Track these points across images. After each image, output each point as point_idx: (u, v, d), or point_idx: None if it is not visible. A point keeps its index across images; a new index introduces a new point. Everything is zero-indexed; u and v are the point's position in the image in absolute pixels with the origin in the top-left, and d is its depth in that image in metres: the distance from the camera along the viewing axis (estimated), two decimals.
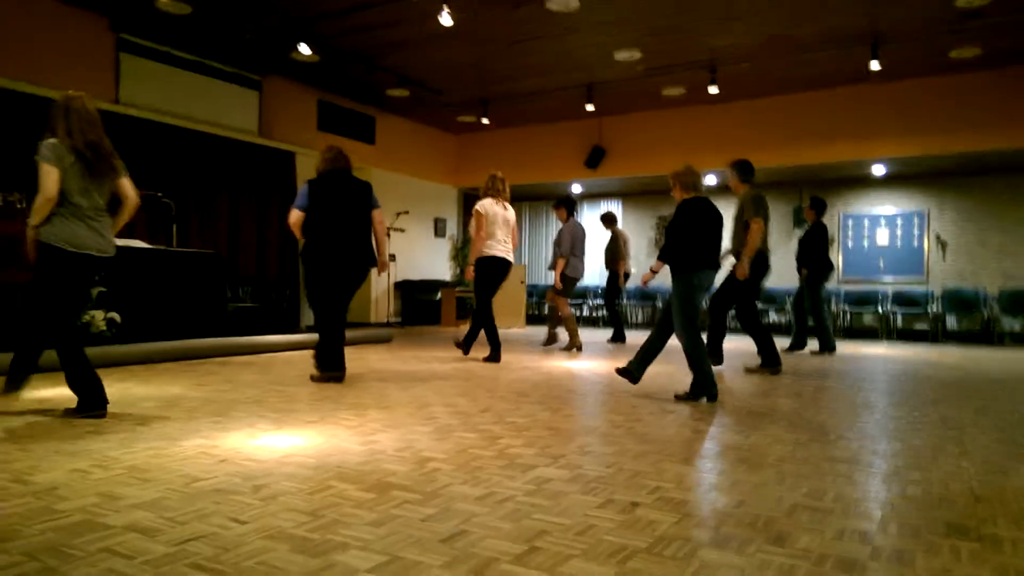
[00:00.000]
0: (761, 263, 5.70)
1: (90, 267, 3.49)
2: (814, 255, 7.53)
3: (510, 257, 6.27)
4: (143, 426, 3.26)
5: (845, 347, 8.47)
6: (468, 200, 13.48)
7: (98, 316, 6.00)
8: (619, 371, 4.51)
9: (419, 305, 11.52)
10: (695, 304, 4.23)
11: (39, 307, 3.45)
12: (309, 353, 6.98)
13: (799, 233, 9.07)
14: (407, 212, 11.31)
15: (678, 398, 4.25)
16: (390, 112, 11.39)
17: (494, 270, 6.19)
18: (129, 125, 7.73)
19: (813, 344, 7.66)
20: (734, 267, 5.67)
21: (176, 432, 3.14)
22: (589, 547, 1.81)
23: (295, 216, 4.74)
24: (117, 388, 4.39)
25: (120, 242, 6.38)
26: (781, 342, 7.54)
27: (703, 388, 4.19)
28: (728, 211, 5.49)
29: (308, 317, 9.80)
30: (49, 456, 2.68)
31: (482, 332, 6.33)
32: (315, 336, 7.60)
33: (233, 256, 8.76)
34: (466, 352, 6.54)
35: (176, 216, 7.75)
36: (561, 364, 6.25)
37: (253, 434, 3.12)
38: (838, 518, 2.07)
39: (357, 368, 5.67)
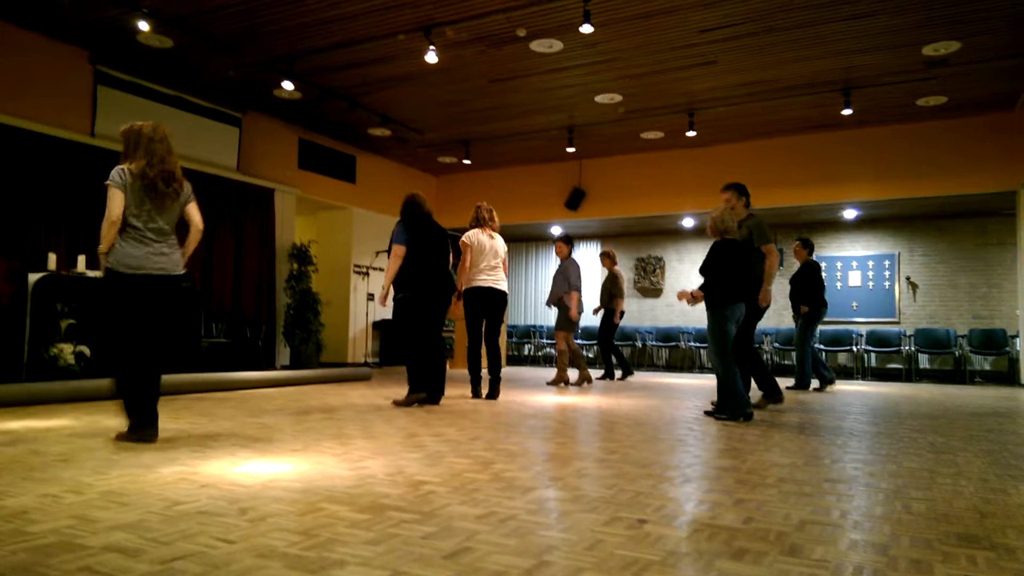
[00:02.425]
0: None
1: (152, 287, 3.54)
2: (811, 293, 7.55)
3: (499, 286, 6.01)
4: (117, 455, 3.11)
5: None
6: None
7: (66, 349, 5.81)
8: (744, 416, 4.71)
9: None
10: (728, 334, 4.69)
11: (103, 332, 3.68)
12: (287, 390, 6.84)
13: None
14: (387, 251, 11.24)
15: (708, 415, 4.89)
16: (371, 152, 11.43)
17: (479, 300, 5.93)
18: (104, 158, 7.61)
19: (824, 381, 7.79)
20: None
21: (153, 460, 3.00)
22: (600, 560, 1.73)
23: (402, 250, 5.23)
24: (86, 421, 4.22)
25: (92, 273, 6.25)
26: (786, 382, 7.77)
27: (737, 408, 4.65)
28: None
29: (284, 356, 9.61)
30: (16, 483, 2.53)
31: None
32: (300, 374, 7.53)
33: (207, 291, 8.59)
34: (475, 394, 6.10)
35: None
36: (548, 399, 6.17)
37: (235, 462, 2.99)
38: (848, 532, 2.02)
39: (337, 402, 5.53)
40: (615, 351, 9.10)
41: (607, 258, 9.08)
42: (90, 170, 7.49)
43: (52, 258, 6.26)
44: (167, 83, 8.27)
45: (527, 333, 13.67)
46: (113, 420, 4.23)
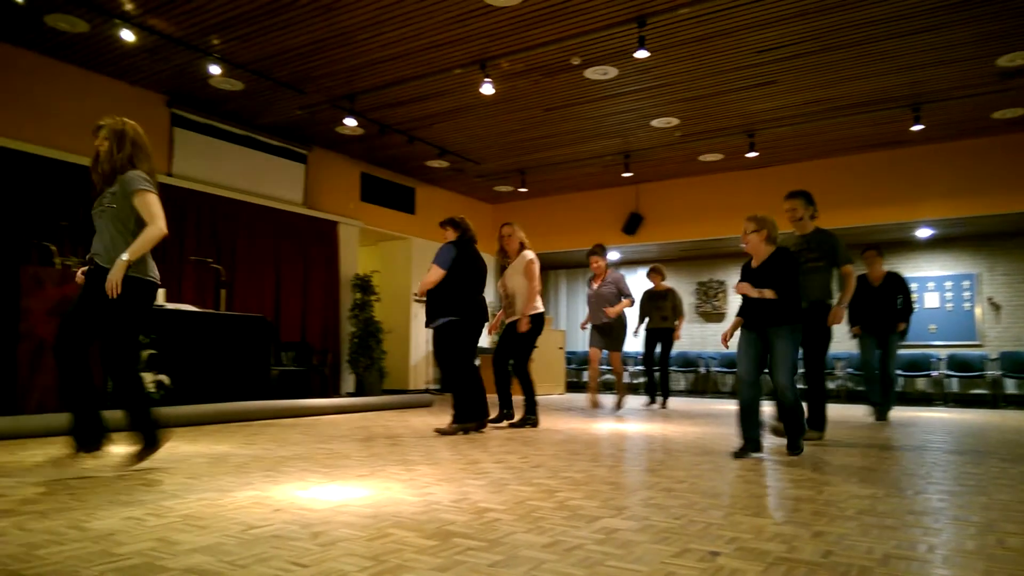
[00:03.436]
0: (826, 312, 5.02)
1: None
2: (905, 308, 6.80)
3: None
4: (194, 479, 3.22)
5: (902, 412, 8.13)
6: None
7: (147, 378, 6.05)
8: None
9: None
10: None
11: (122, 346, 3.35)
12: (352, 416, 6.94)
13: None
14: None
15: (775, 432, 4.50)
16: (429, 183, 11.67)
17: (542, 327, 5.93)
18: (181, 196, 8.02)
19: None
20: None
21: (228, 484, 3.09)
22: None
23: (439, 274, 5.15)
24: (165, 447, 4.37)
25: (171, 306, 6.54)
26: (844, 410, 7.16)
27: (800, 440, 4.22)
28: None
29: (349, 383, 9.79)
30: (103, 505, 2.65)
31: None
32: (364, 400, 7.64)
33: (277, 321, 8.86)
34: (536, 424, 5.87)
35: (224, 282, 7.91)
36: (609, 426, 6.09)
37: (305, 486, 3.06)
38: (938, 568, 1.91)
39: (401, 428, 5.59)
40: (664, 375, 8.73)
41: (657, 274, 8.48)
42: (168, 207, 7.86)
43: None
44: (237, 123, 8.67)
45: (584, 360, 13.55)
46: (190, 446, 4.39)
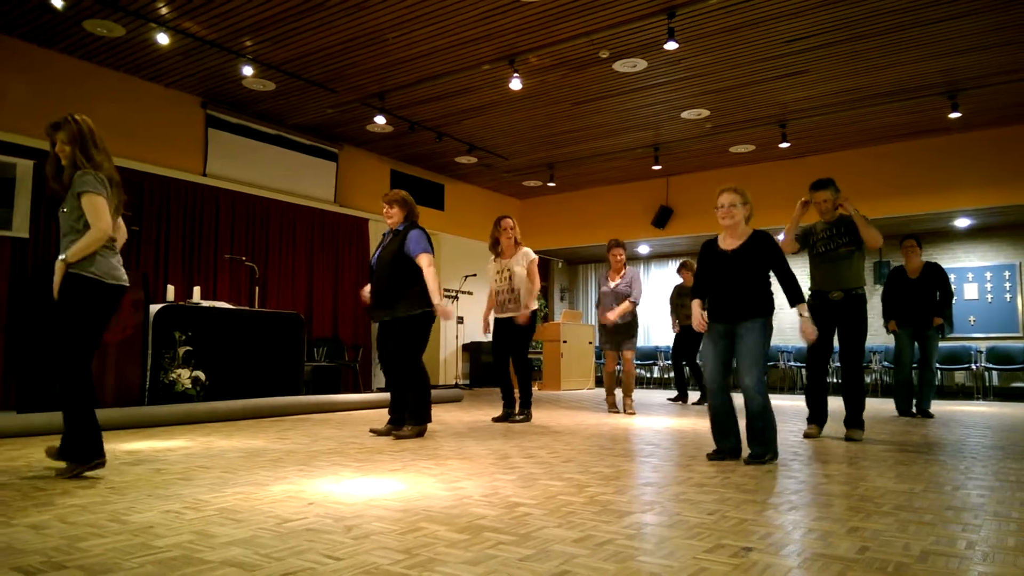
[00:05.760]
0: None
1: (119, 298, 3.33)
2: (945, 300, 6.57)
3: None
4: (230, 473, 3.29)
5: (940, 406, 7.95)
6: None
7: (184, 375, 6.18)
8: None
9: (487, 367, 11.49)
10: None
11: (68, 349, 3.15)
12: (384, 411, 6.99)
13: (879, 289, 8.64)
14: (475, 275, 11.45)
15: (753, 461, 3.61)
16: (458, 179, 11.71)
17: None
18: (216, 195, 8.17)
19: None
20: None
21: (263, 479, 3.15)
22: None
23: (432, 259, 4.80)
24: (201, 442, 4.48)
25: (206, 303, 6.66)
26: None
27: (774, 444, 3.71)
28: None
29: (380, 379, 9.88)
30: (142, 499, 2.71)
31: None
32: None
33: (308, 317, 8.99)
34: (529, 418, 6.00)
35: (258, 279, 8.04)
36: (639, 422, 6.06)
37: (338, 480, 3.10)
38: (977, 564, 1.87)
39: (431, 425, 5.63)
40: (695, 370, 8.46)
41: (687, 270, 8.32)
42: (203, 207, 8.04)
43: (171, 289, 6.71)
44: (270, 123, 8.79)
45: None
46: (226, 441, 4.47)
